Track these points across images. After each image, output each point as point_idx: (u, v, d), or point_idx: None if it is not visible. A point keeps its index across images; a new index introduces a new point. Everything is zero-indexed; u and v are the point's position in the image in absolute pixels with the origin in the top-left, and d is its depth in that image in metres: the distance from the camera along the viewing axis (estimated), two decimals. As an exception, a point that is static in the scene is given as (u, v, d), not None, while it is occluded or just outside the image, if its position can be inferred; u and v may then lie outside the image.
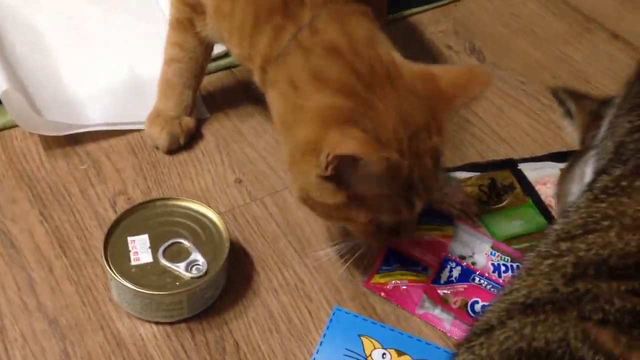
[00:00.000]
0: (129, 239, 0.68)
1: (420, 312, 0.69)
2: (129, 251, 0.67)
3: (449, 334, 0.67)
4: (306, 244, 0.75)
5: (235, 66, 0.94)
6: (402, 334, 0.65)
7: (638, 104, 0.58)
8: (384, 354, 0.62)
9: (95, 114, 0.86)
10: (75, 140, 0.83)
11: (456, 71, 0.67)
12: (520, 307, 0.43)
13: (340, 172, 0.59)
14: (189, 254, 0.67)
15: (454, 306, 0.67)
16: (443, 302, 0.68)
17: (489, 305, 0.48)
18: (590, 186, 0.51)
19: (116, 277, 0.64)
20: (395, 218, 0.64)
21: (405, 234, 0.67)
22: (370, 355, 0.62)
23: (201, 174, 0.82)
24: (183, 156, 0.84)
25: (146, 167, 0.82)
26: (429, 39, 1.01)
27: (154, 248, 0.68)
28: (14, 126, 0.84)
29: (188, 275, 0.66)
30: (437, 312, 0.68)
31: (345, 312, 0.66)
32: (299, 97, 0.63)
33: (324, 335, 0.64)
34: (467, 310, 0.66)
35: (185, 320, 0.67)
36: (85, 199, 0.78)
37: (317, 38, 0.64)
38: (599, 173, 0.54)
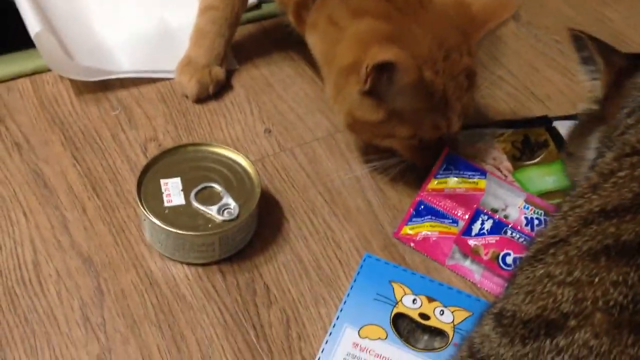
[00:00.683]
0: (162, 181, 0.69)
1: (450, 263, 0.69)
2: (162, 193, 0.68)
3: (479, 285, 0.68)
4: (336, 194, 0.76)
5: (264, 18, 0.94)
6: (432, 281, 0.65)
7: None
8: (414, 299, 0.63)
9: (126, 61, 0.86)
10: (106, 86, 0.83)
11: None
12: (597, 215, 0.42)
13: (379, 86, 0.64)
14: (220, 198, 0.68)
15: (484, 257, 0.67)
16: (474, 253, 0.68)
17: (541, 229, 0.48)
18: None
19: (150, 217, 0.65)
20: (435, 133, 0.68)
21: (449, 144, 0.72)
22: (400, 300, 0.63)
23: (231, 123, 0.82)
24: (213, 105, 0.84)
25: (176, 115, 0.82)
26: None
27: (186, 191, 0.68)
28: (47, 70, 0.84)
29: (220, 218, 0.66)
30: (467, 263, 0.69)
31: (376, 259, 0.67)
32: (339, 32, 0.68)
33: (355, 280, 0.65)
34: (499, 262, 0.66)
35: (216, 263, 0.68)
36: (117, 144, 0.78)
37: None
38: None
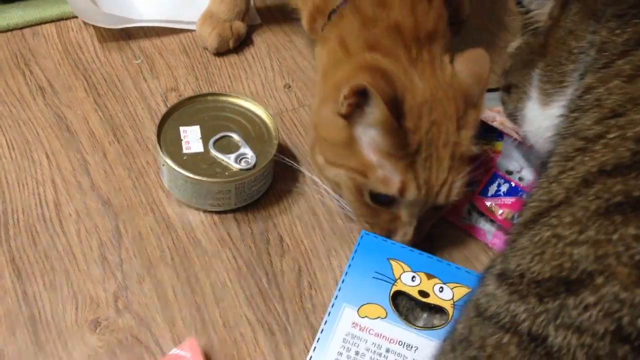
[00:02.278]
0: (181, 128, 0.70)
1: (464, 223, 0.70)
2: (181, 140, 0.69)
3: (490, 245, 0.68)
4: (352, 151, 0.76)
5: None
6: (430, 258, 0.64)
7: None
8: (413, 277, 0.62)
9: (149, 11, 0.87)
10: (129, 35, 0.84)
11: (465, 62, 0.66)
12: (597, 175, 0.42)
13: (354, 112, 0.61)
14: (238, 147, 0.69)
15: (500, 217, 0.68)
16: (489, 211, 0.69)
17: (532, 194, 0.47)
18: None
19: (169, 163, 0.66)
20: (383, 188, 0.61)
21: (399, 235, 0.64)
22: (399, 278, 0.62)
23: (251, 77, 0.83)
24: (234, 59, 0.84)
25: (198, 66, 0.83)
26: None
27: (204, 139, 0.69)
28: (72, 17, 0.85)
29: (237, 166, 0.67)
30: (481, 223, 0.70)
31: (374, 237, 0.65)
32: (348, 57, 0.66)
33: (352, 259, 0.63)
34: (514, 222, 0.67)
35: (232, 211, 0.69)
36: (138, 92, 0.79)
37: (383, 12, 0.65)
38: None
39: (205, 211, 0.69)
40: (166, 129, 0.70)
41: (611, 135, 0.43)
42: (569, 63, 0.58)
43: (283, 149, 0.75)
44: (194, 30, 0.86)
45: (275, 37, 0.88)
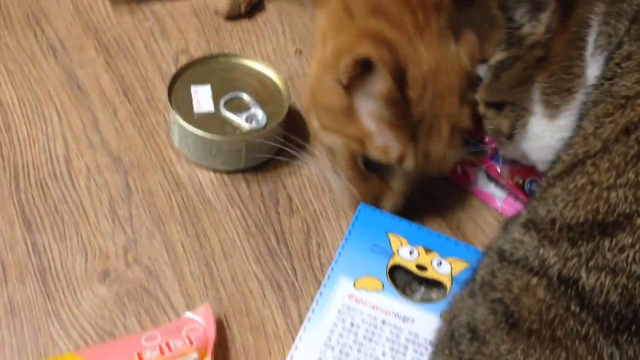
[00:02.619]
0: (193, 88, 0.70)
1: (474, 188, 0.70)
2: (192, 99, 0.69)
3: (500, 211, 0.68)
4: (362, 116, 0.76)
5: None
6: (430, 232, 0.63)
7: None
8: (411, 250, 0.61)
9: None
10: (141, -2, 0.84)
11: (462, 43, 0.65)
12: (639, 122, 0.41)
13: (355, 81, 0.59)
14: (248, 107, 0.69)
15: (510, 182, 0.68)
16: (500, 176, 0.69)
17: (563, 150, 0.46)
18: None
19: (179, 121, 0.66)
20: (382, 157, 0.60)
21: (386, 203, 0.64)
22: (397, 251, 0.61)
23: (262, 42, 0.83)
24: (245, 24, 0.84)
25: (209, 30, 0.83)
26: None
27: (215, 99, 0.69)
28: (83, -22, 0.85)
29: (247, 126, 0.67)
30: (491, 189, 0.70)
31: (372, 210, 0.64)
32: (350, 21, 0.63)
33: (350, 232, 0.62)
34: (524, 188, 0.67)
35: (241, 171, 0.69)
36: (149, 53, 0.79)
37: None
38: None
39: (215, 170, 0.69)
40: (177, 88, 0.70)
41: None
42: (581, 62, 0.55)
43: (294, 114, 0.75)
44: (205, -5, 0.86)
45: (286, 2, 0.87)
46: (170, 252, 0.62)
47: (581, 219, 0.40)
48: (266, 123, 0.68)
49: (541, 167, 0.61)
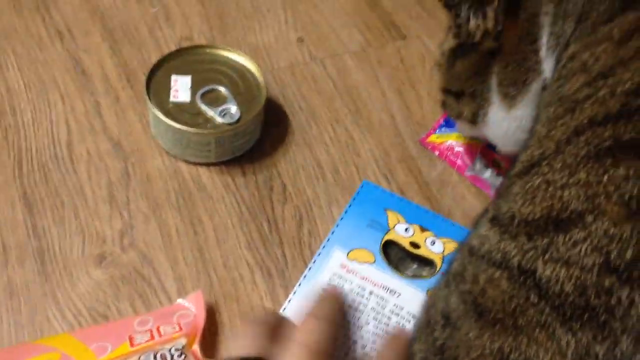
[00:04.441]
0: (173, 77, 0.70)
1: (470, 174, 0.71)
2: (170, 88, 0.69)
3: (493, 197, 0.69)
4: (361, 106, 0.77)
5: None
6: (427, 212, 0.65)
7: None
8: (407, 228, 0.63)
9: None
10: (148, -16, 0.85)
11: None
12: (588, 125, 0.42)
13: None
14: (225, 101, 0.69)
15: (504, 171, 0.69)
16: (495, 164, 0.70)
17: (522, 151, 0.48)
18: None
19: (152, 108, 0.67)
20: None
21: None
22: (393, 228, 0.63)
23: (265, 29, 0.84)
24: (249, 10, 0.85)
25: (212, 17, 0.84)
26: None
27: (194, 90, 0.69)
28: (91, -37, 0.86)
29: (220, 120, 0.67)
30: (486, 175, 0.70)
31: (374, 186, 0.66)
32: None
33: (350, 205, 0.65)
34: (506, 175, 0.68)
35: (237, 160, 0.70)
36: (153, 39, 0.81)
37: None
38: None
39: (186, 161, 0.69)
40: (158, 76, 0.70)
41: (600, 94, 0.43)
42: (535, 58, 0.56)
43: (291, 102, 0.76)
44: (211, -19, 0.86)
45: (291, -10, 0.88)
46: (165, 237, 0.64)
47: (537, 215, 0.42)
48: (239, 118, 0.68)
49: (503, 151, 0.64)
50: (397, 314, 0.58)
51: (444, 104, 0.67)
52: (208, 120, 0.68)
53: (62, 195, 0.66)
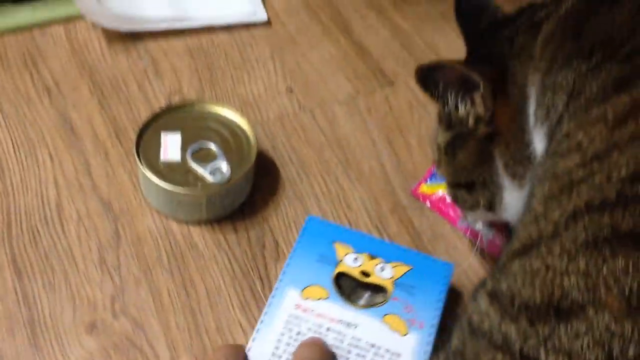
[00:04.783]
0: (163, 134, 0.70)
1: (462, 225, 0.71)
2: (160, 147, 0.69)
3: (486, 251, 0.69)
4: (350, 156, 0.77)
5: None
6: (373, 239, 0.66)
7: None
8: (355, 258, 0.64)
9: (157, 11, 0.88)
10: (136, 35, 0.86)
11: None
12: (585, 209, 0.42)
13: None
14: (215, 157, 0.69)
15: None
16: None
17: (519, 228, 0.47)
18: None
19: (141, 169, 0.67)
20: None
21: None
22: (342, 259, 0.63)
23: (254, 80, 0.84)
24: (238, 61, 0.85)
25: (202, 69, 0.84)
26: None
27: (184, 148, 0.69)
28: (79, 17, 0.86)
29: (211, 178, 0.67)
30: (478, 227, 0.70)
31: (319, 221, 0.67)
32: None
33: (298, 242, 0.64)
34: (508, 229, 0.68)
35: (229, 216, 0.70)
36: (142, 94, 0.81)
37: None
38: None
39: (177, 220, 0.69)
40: (147, 135, 0.70)
41: (596, 178, 0.43)
42: (527, 135, 0.55)
43: (282, 153, 0.76)
44: (201, 30, 0.87)
45: (279, 38, 0.88)
46: (156, 301, 0.64)
47: (538, 300, 0.42)
48: (230, 176, 0.67)
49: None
50: (356, 346, 0.58)
51: (455, 199, 0.64)
52: (198, 178, 0.68)
53: (52, 259, 0.65)
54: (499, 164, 0.58)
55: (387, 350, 0.57)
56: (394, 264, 0.63)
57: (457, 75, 0.58)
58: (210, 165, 0.68)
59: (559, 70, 0.52)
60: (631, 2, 0.50)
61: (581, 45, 0.51)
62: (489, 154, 0.58)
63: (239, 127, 0.72)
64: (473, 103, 0.58)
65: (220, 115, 0.73)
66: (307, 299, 0.60)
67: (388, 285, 0.62)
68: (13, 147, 0.74)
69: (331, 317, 0.59)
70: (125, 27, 0.85)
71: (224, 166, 0.68)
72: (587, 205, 0.42)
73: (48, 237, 0.67)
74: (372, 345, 0.58)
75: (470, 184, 0.61)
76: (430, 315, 0.60)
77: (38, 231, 0.67)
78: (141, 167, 0.67)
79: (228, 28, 0.88)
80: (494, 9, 0.64)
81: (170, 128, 0.71)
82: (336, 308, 0.60)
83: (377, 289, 0.62)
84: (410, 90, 0.84)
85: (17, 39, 0.84)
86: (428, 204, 0.73)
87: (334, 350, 0.58)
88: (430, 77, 0.59)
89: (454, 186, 0.64)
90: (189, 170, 0.68)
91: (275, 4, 0.92)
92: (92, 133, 0.76)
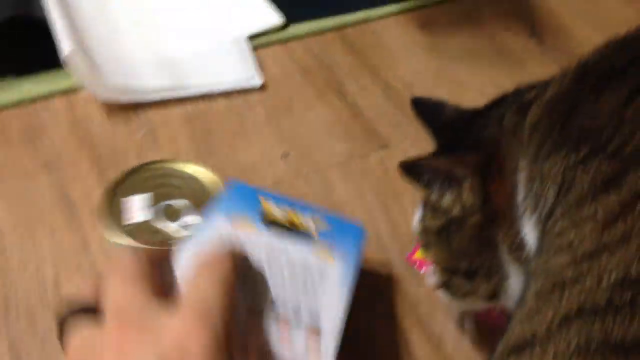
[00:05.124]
0: (129, 197, 0.72)
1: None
2: (125, 210, 0.71)
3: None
4: (346, 223, 0.77)
5: (290, 40, 0.96)
6: (292, 199, 0.67)
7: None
8: (280, 210, 0.64)
9: (155, 82, 0.89)
10: (136, 105, 0.87)
11: None
12: (576, 314, 0.42)
13: None
14: (183, 214, 0.70)
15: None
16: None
17: (513, 324, 0.47)
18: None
19: (106, 235, 0.68)
20: None
21: None
22: (269, 210, 0.64)
23: (250, 147, 0.85)
24: (235, 128, 0.86)
25: (200, 136, 0.85)
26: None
27: (151, 207, 0.71)
28: (79, 89, 0.88)
29: (182, 234, 0.68)
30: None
31: (242, 185, 0.66)
32: None
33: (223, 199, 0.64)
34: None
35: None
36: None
37: None
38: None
39: None
40: (111, 201, 0.72)
41: (587, 282, 0.43)
42: (519, 220, 0.53)
43: (278, 223, 0.77)
44: (199, 97, 0.88)
45: (274, 103, 0.89)
46: (150, 383, 0.64)
47: None
48: None
49: None
50: (289, 266, 0.59)
51: (445, 286, 0.60)
52: (169, 236, 0.68)
53: (50, 344, 0.66)
54: (503, 249, 0.55)
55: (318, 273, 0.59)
56: (315, 219, 0.65)
57: (442, 170, 0.57)
58: (180, 221, 0.69)
59: (545, 158, 0.50)
60: (619, 90, 0.49)
61: (568, 134, 0.49)
62: (490, 241, 0.55)
63: (204, 180, 0.74)
64: (462, 193, 0.56)
65: (184, 172, 0.75)
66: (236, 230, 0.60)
67: (314, 233, 0.63)
68: (12, 226, 0.75)
69: (262, 244, 0.60)
70: (125, 97, 0.86)
71: (194, 221, 0.69)
72: (579, 309, 0.42)
73: (45, 320, 0.68)
74: (305, 268, 0.59)
75: (472, 273, 0.58)
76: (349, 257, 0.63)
77: (35, 314, 0.68)
78: (107, 233, 0.68)
79: (226, 94, 0.90)
80: (451, 105, 0.66)
81: (136, 189, 0.72)
82: (266, 236, 0.61)
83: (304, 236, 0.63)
84: (405, 153, 0.84)
85: (19, 113, 0.86)
86: (423, 270, 0.73)
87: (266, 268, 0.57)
88: (414, 170, 0.59)
89: (450, 272, 0.60)
90: (158, 230, 0.69)
91: (271, 68, 0.93)
92: (90, 208, 0.77)
